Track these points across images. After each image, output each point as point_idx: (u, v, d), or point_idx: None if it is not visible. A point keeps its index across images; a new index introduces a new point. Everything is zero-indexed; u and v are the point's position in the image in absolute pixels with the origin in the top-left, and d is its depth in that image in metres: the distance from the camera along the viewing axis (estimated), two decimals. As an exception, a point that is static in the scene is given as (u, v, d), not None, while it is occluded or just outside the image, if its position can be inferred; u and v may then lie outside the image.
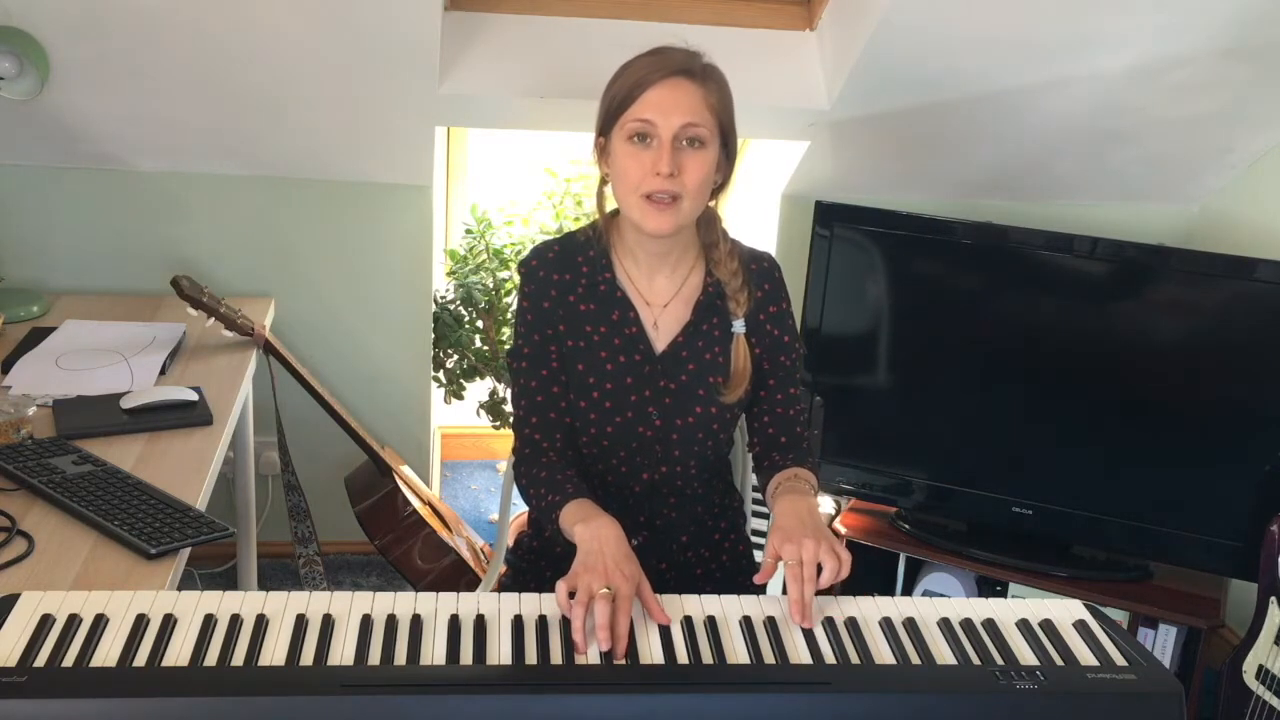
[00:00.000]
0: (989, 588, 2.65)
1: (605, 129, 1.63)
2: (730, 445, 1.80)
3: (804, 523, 1.47)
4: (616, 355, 1.67)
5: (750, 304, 1.70)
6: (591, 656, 1.28)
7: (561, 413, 1.68)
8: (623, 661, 1.27)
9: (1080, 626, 1.39)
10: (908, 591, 2.70)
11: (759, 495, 1.90)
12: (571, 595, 1.34)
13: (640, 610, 1.37)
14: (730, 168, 1.66)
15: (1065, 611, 1.43)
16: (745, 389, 1.69)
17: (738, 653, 1.31)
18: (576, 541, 1.46)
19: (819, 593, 1.40)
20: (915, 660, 1.31)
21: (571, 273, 1.68)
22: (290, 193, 2.75)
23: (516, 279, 2.27)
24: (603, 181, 1.69)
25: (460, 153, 3.29)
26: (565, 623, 1.32)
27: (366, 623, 1.29)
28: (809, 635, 1.34)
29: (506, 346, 2.96)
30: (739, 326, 1.69)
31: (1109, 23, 2.32)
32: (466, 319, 3.05)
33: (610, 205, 1.70)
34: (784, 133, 2.73)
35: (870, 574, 2.70)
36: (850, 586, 1.46)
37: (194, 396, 2.05)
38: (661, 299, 1.69)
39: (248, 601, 1.31)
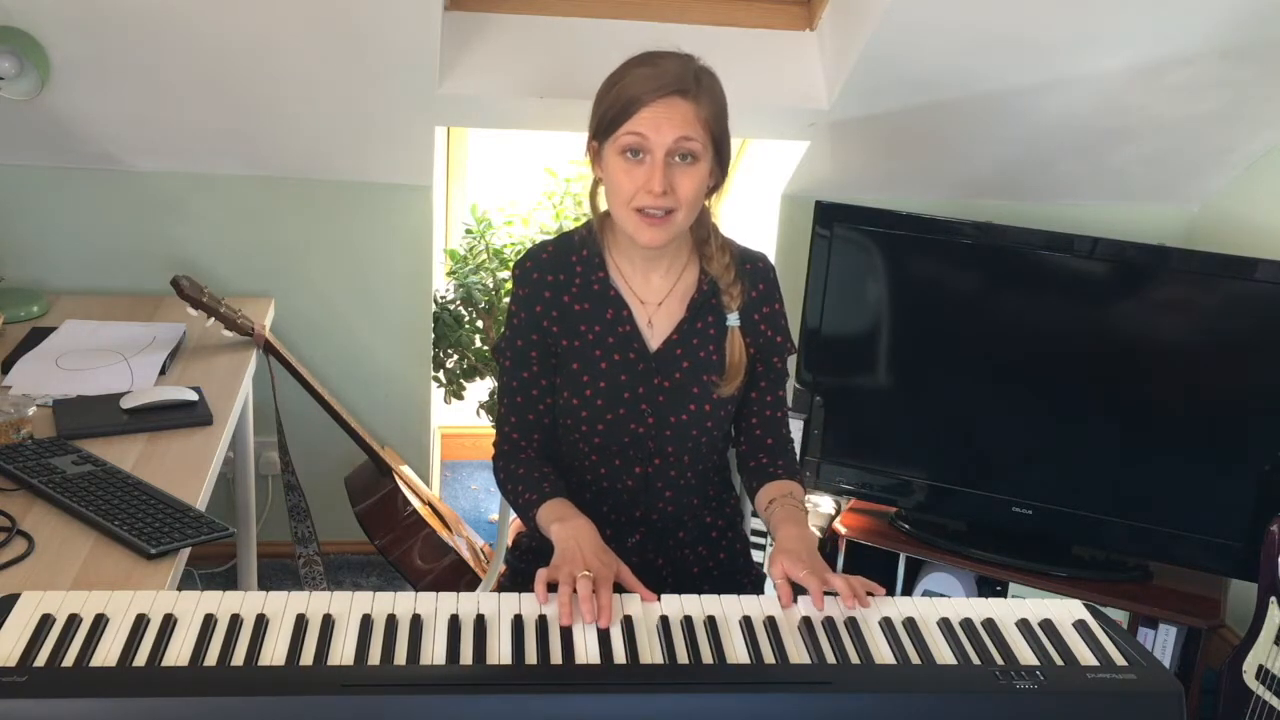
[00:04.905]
0: (989, 588, 2.65)
1: (598, 137, 1.64)
2: (728, 441, 1.81)
3: (812, 554, 1.51)
4: (611, 353, 1.68)
5: (744, 298, 1.71)
6: (591, 656, 1.28)
7: (540, 414, 1.72)
8: (614, 645, 1.27)
9: (1080, 626, 1.39)
10: (908, 591, 2.70)
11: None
12: (552, 590, 1.37)
13: (641, 612, 1.36)
14: (724, 172, 1.66)
15: (1065, 611, 1.43)
16: (741, 381, 1.71)
17: (738, 653, 1.31)
18: (554, 540, 1.52)
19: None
20: (915, 660, 1.31)
21: (565, 273, 1.69)
22: (290, 193, 2.74)
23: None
24: (596, 183, 1.70)
25: (460, 153, 3.29)
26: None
27: (366, 623, 1.29)
28: (809, 635, 1.34)
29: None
30: (733, 320, 1.71)
31: (1109, 23, 2.32)
32: (466, 319, 3.05)
33: (605, 205, 1.70)
34: (784, 133, 2.73)
35: (870, 574, 2.69)
36: (850, 587, 1.47)
37: (194, 396, 2.05)
38: (656, 297, 1.71)
39: (248, 601, 1.31)
